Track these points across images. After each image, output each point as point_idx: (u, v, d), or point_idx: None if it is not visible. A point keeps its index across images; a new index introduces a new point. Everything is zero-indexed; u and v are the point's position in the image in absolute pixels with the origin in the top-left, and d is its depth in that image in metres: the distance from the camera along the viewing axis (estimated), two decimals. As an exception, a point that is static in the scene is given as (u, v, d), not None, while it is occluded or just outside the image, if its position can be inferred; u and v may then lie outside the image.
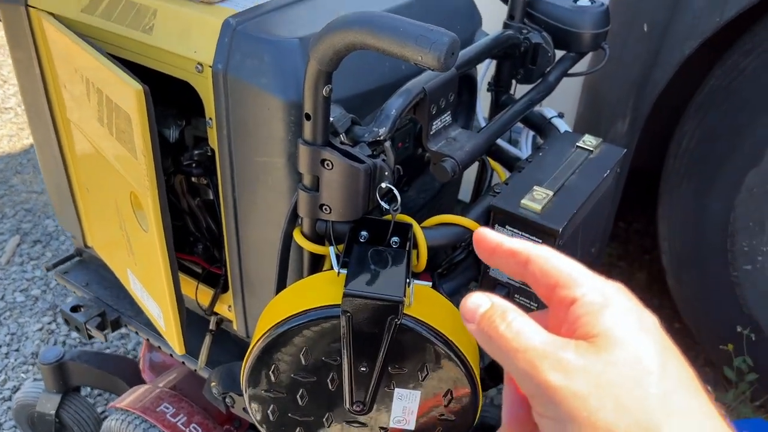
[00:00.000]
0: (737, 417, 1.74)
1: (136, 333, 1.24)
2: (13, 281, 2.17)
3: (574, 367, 0.38)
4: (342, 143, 0.79)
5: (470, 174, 1.23)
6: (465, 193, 1.40)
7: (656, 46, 1.43)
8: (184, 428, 1.17)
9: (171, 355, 1.19)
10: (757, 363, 1.64)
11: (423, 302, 0.76)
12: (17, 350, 1.92)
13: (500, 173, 1.11)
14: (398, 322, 0.72)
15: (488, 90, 1.18)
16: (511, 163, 1.15)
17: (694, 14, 1.36)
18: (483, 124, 1.21)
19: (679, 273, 1.75)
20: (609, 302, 0.40)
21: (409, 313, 0.74)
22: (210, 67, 0.84)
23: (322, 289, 0.77)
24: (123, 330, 1.97)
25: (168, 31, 0.87)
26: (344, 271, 0.75)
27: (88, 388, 1.77)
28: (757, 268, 1.60)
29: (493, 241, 0.46)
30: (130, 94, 0.79)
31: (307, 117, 0.74)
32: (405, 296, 0.72)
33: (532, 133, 1.20)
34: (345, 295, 0.71)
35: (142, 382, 1.41)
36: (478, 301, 0.42)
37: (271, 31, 0.82)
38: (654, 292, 2.22)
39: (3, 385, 1.80)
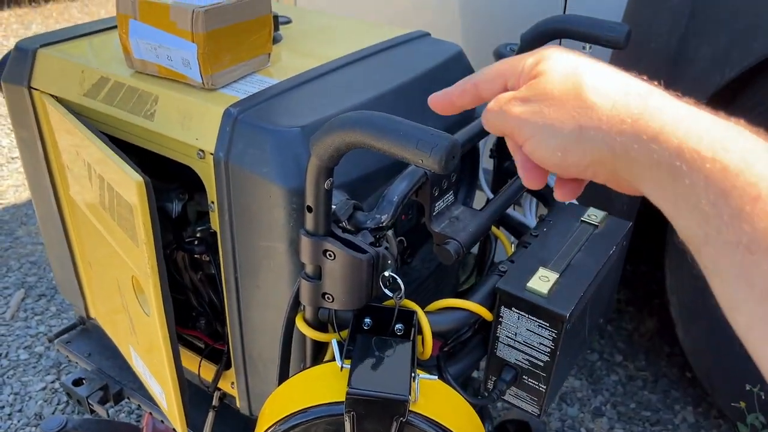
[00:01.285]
0: (754, 474, 1.70)
1: (139, 407, 1.22)
2: (17, 338, 2.15)
3: (524, 97, 0.51)
4: (344, 230, 0.79)
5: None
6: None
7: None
8: (187, 506, 1.14)
9: (174, 430, 1.17)
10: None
11: (429, 396, 0.75)
12: (20, 411, 1.89)
13: (505, 243, 1.10)
14: (403, 421, 0.71)
15: (490, 157, 1.18)
16: (515, 228, 1.14)
17: (695, 74, 1.37)
18: (486, 187, 1.21)
19: (689, 326, 1.73)
20: (542, 59, 0.52)
21: (415, 410, 0.72)
22: (212, 154, 0.84)
23: (326, 384, 0.75)
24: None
25: (169, 117, 0.87)
26: (347, 366, 0.74)
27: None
28: (769, 321, 1.57)
29: (445, 99, 0.58)
30: (131, 185, 0.79)
31: (309, 209, 0.74)
32: (410, 393, 0.70)
33: (536, 202, 1.20)
34: (348, 394, 0.69)
35: (146, 450, 1.39)
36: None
37: (272, 120, 0.82)
38: (665, 339, 2.18)
39: (5, 450, 1.78)
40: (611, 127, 0.46)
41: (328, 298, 0.79)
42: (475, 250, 1.25)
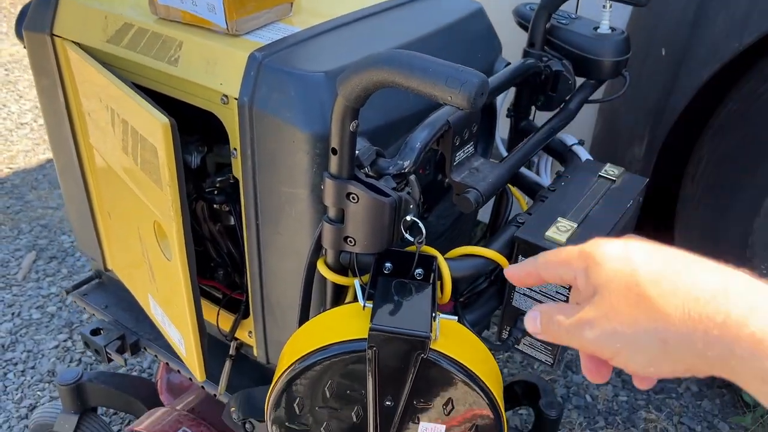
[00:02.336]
0: (756, 441, 1.72)
1: (155, 357, 1.25)
2: (29, 298, 2.18)
3: (594, 318, 0.50)
4: (367, 176, 0.80)
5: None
6: (483, 214, 1.40)
7: (674, 71, 1.43)
8: (202, 453, 1.17)
9: (190, 379, 1.19)
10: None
11: (448, 336, 0.76)
12: (33, 368, 1.92)
13: (521, 200, 1.11)
14: (424, 358, 0.72)
15: (507, 116, 1.18)
16: (531, 188, 1.15)
17: (713, 39, 1.36)
18: (501, 147, 1.22)
19: (696, 295, 1.74)
20: (588, 262, 0.52)
21: (435, 348, 0.74)
22: (235, 99, 0.84)
23: (348, 323, 0.77)
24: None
25: (194, 63, 0.88)
26: (369, 305, 0.75)
27: (104, 408, 1.77)
28: (776, 291, 1.58)
29: (516, 275, 0.61)
30: (156, 127, 0.80)
31: (334, 151, 0.75)
32: (431, 331, 0.72)
33: (551, 159, 1.20)
34: (371, 330, 0.71)
35: (160, 403, 1.41)
36: (532, 315, 0.57)
37: (297, 65, 0.83)
38: (669, 312, 2.20)
39: (20, 403, 1.81)
40: (695, 340, 0.45)
41: (350, 241, 0.80)
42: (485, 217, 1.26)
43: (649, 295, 0.47)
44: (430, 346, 0.72)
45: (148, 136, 0.83)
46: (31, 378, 1.89)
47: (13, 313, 2.11)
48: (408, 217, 0.80)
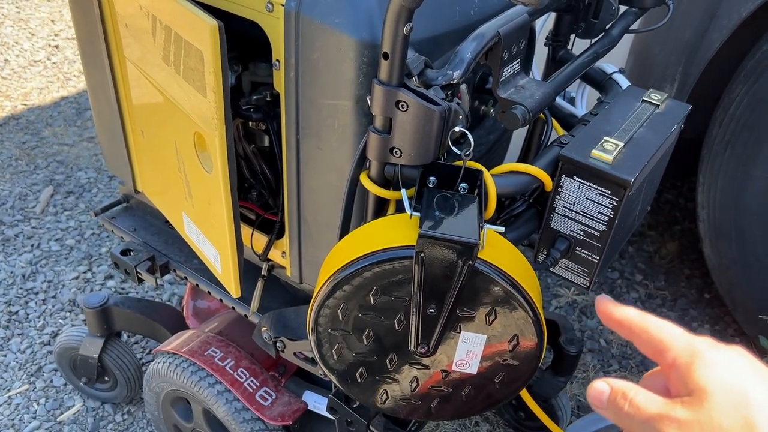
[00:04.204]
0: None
1: (184, 279, 1.26)
2: (48, 230, 2.19)
3: (686, 421, 0.47)
4: (416, 86, 0.79)
5: (517, 134, 1.22)
6: (510, 156, 1.39)
7: (712, 8, 1.40)
8: (232, 372, 1.18)
9: (221, 300, 1.20)
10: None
11: (494, 247, 0.76)
12: (54, 297, 1.94)
13: (558, 129, 1.10)
14: (471, 265, 0.72)
15: (546, 44, 1.16)
16: (566, 120, 1.14)
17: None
18: (538, 76, 1.20)
19: (717, 242, 1.74)
20: (695, 359, 0.49)
21: (481, 257, 0.74)
22: (282, 5, 0.83)
23: (394, 231, 0.77)
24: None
25: (239, -32, 0.86)
26: (417, 214, 0.75)
27: (125, 336, 1.80)
28: (799, 238, 1.59)
29: (607, 312, 0.57)
30: (204, 30, 0.79)
31: (385, 56, 0.73)
32: (479, 239, 0.72)
33: (588, 89, 1.19)
34: (420, 236, 0.71)
35: (183, 329, 1.43)
36: (600, 387, 0.52)
37: (347, -30, 0.81)
38: (684, 263, 2.21)
39: (42, 330, 1.83)
40: None
41: (396, 152, 0.80)
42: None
43: (758, 424, 0.44)
44: (477, 255, 0.73)
45: (194, 40, 0.82)
46: (53, 307, 1.91)
47: (32, 245, 2.12)
48: (457, 128, 0.79)
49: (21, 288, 1.96)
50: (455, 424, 1.65)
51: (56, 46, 3.36)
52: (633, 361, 1.87)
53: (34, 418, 1.60)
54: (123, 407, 1.63)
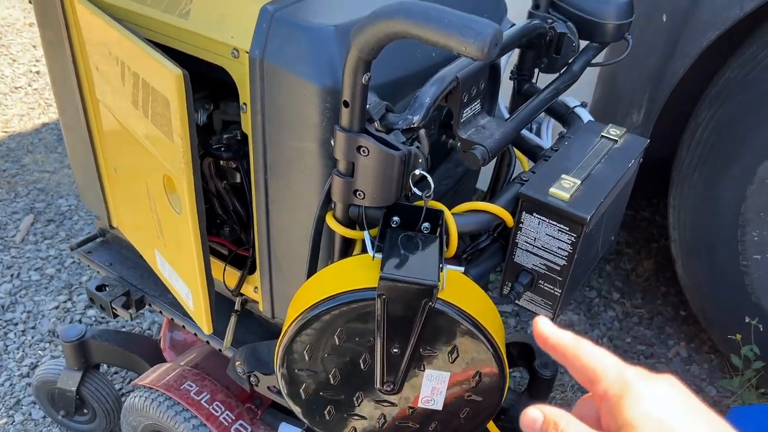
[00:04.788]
0: (742, 404, 1.78)
1: (160, 312, 1.27)
2: (27, 260, 2.19)
3: None
4: (377, 130, 0.81)
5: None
6: (481, 182, 1.42)
7: (675, 37, 1.44)
8: (207, 406, 1.19)
9: (195, 334, 1.21)
10: (764, 351, 1.66)
11: (454, 287, 0.78)
12: (33, 328, 1.94)
13: (523, 161, 1.13)
14: (432, 306, 0.74)
15: (511, 78, 1.19)
16: (532, 151, 1.17)
17: (714, 6, 1.37)
18: (504, 110, 1.23)
19: (689, 261, 1.78)
20: (624, 392, 0.49)
21: (442, 297, 0.76)
22: (247, 52, 0.85)
23: (358, 273, 0.79)
24: (138, 309, 2.00)
25: (205, 16, 0.88)
26: (379, 255, 0.77)
27: (105, 366, 1.80)
28: (767, 258, 1.62)
29: (544, 334, 0.55)
30: (169, 78, 0.81)
31: (346, 104, 0.76)
32: (439, 280, 0.74)
33: (552, 122, 1.22)
34: (381, 279, 0.73)
35: (161, 360, 1.44)
36: (533, 415, 0.51)
37: (308, 19, 0.84)
38: (661, 281, 2.24)
39: (21, 362, 1.83)
40: None
41: (359, 194, 0.82)
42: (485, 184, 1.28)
43: None
44: (438, 295, 0.75)
45: (161, 88, 0.84)
46: (32, 338, 1.91)
47: (12, 275, 2.12)
48: (417, 171, 0.81)
49: (0, 319, 1.96)
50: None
51: (37, 72, 3.36)
52: (610, 381, 1.89)
53: (13, 452, 1.60)
54: (102, 439, 1.63)
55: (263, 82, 0.86)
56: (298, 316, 0.80)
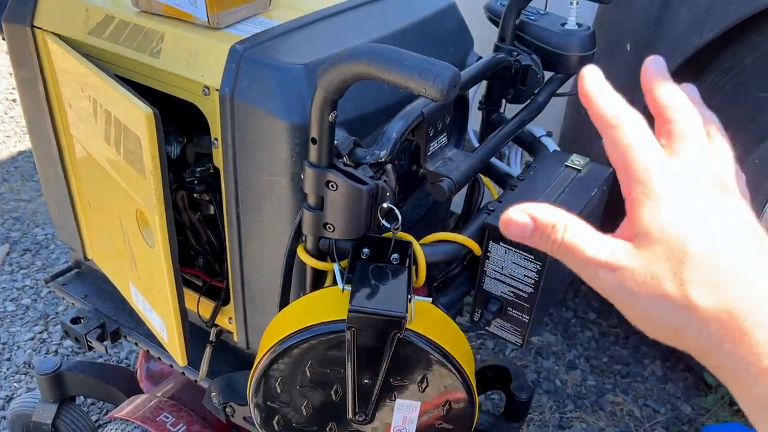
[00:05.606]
0: (716, 421, 1.80)
1: (136, 344, 1.27)
2: (3, 290, 2.17)
3: (624, 267, 0.43)
4: (345, 165, 0.83)
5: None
6: (456, 205, 1.44)
7: (638, 66, 1.48)
8: (183, 437, 1.19)
9: (171, 365, 1.21)
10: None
11: (423, 317, 0.80)
12: (9, 359, 1.92)
13: (492, 190, 1.16)
14: (401, 337, 0.76)
15: (479, 109, 1.22)
16: (501, 178, 1.20)
17: (675, 35, 1.42)
18: (474, 139, 1.26)
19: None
20: (645, 199, 0.43)
21: (411, 328, 0.77)
22: (217, 90, 0.87)
23: (327, 305, 0.80)
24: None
25: (175, 55, 0.90)
26: (348, 288, 0.79)
27: (82, 397, 1.78)
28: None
29: (591, 89, 0.49)
30: (140, 117, 0.82)
31: (314, 141, 0.78)
32: (407, 312, 0.75)
33: (521, 150, 1.25)
34: (350, 311, 0.74)
35: (138, 391, 1.43)
36: (520, 219, 0.45)
37: (277, 57, 0.86)
38: (636, 300, 2.28)
39: (-5, 395, 1.81)
40: (714, 341, 0.41)
41: (329, 228, 0.83)
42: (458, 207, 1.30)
43: (687, 280, 0.41)
44: (406, 326, 0.76)
45: (132, 126, 0.86)
46: (7, 370, 1.89)
47: (-14, 306, 2.10)
48: (385, 204, 0.83)
49: (-26, 351, 1.94)
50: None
51: (14, 100, 3.35)
52: (587, 401, 1.92)
53: (-13, 488, 1.57)
54: (78, 472, 1.61)
55: (234, 118, 0.88)
56: (269, 349, 0.81)
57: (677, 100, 0.47)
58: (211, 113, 0.90)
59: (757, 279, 0.40)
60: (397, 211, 0.83)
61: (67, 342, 1.98)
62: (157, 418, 1.22)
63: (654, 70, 0.50)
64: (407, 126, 0.86)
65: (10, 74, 3.59)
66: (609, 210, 1.22)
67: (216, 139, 0.92)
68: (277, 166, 0.88)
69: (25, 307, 2.11)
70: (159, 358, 1.22)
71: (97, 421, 1.73)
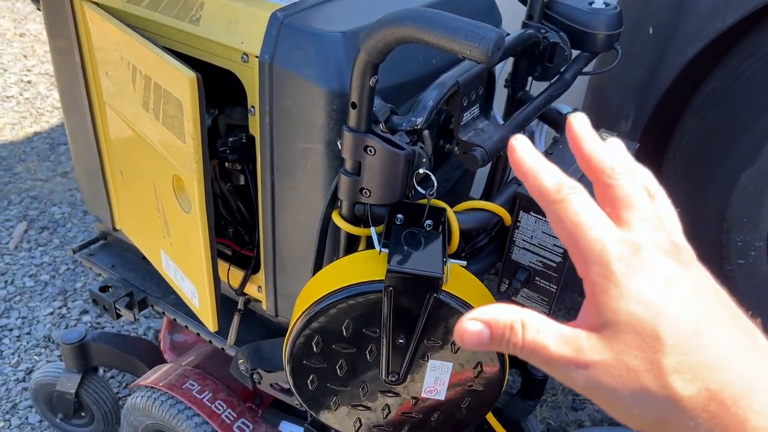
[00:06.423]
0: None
1: (163, 314, 1.29)
2: (21, 266, 2.20)
3: (593, 363, 0.39)
4: (382, 131, 0.85)
5: (481, 171, 1.29)
6: (475, 190, 1.46)
7: (661, 49, 1.49)
8: (210, 404, 1.22)
9: (198, 334, 1.23)
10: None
11: (457, 280, 0.82)
12: (29, 333, 1.95)
13: (518, 165, 1.17)
14: (436, 297, 0.78)
15: (505, 86, 1.24)
16: (525, 155, 1.21)
17: (698, 18, 1.43)
18: (498, 118, 1.27)
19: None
20: (605, 286, 0.40)
21: (446, 289, 0.79)
22: (256, 57, 0.89)
23: (364, 267, 0.82)
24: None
25: (215, 22, 0.92)
26: (385, 250, 0.81)
27: (102, 371, 1.81)
28: (750, 262, 1.67)
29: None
30: (183, 81, 0.84)
31: (353, 105, 0.80)
32: (443, 273, 0.77)
33: (546, 128, 1.26)
34: (389, 271, 0.76)
35: (160, 363, 1.45)
36: (473, 328, 0.41)
37: (316, 25, 0.87)
38: (648, 287, 2.29)
39: (17, 367, 1.83)
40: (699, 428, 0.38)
41: (365, 193, 0.85)
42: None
43: (665, 368, 0.38)
44: (442, 288, 0.78)
45: (173, 90, 0.87)
46: (27, 343, 1.91)
47: (6, 281, 2.13)
48: (421, 170, 0.85)
49: (-5, 325, 1.97)
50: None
51: (29, 82, 3.37)
52: (600, 384, 1.93)
53: (10, 456, 1.60)
54: (99, 443, 1.64)
55: (272, 85, 0.90)
56: (306, 309, 0.83)
57: (613, 160, 0.45)
58: (248, 81, 0.92)
59: (739, 358, 0.38)
60: (432, 177, 0.84)
61: (86, 317, 2.01)
62: (183, 386, 1.24)
63: (579, 129, 0.48)
64: (443, 94, 0.88)
65: (25, 56, 3.61)
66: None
67: (253, 106, 0.94)
68: (313, 133, 0.90)
69: (44, 283, 2.13)
70: (186, 326, 1.24)
71: (116, 393, 1.75)
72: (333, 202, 0.90)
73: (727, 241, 1.67)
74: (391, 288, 0.77)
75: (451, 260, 0.82)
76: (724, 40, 1.46)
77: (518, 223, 0.94)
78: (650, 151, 1.79)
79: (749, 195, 1.60)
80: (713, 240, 1.69)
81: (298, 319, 0.84)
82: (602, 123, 1.64)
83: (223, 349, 1.20)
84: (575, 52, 1.19)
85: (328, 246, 0.95)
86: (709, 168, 1.64)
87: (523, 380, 1.54)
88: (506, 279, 1.00)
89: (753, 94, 1.51)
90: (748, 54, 1.48)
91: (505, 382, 0.87)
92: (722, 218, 1.65)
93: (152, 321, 1.99)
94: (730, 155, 1.59)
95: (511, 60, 1.22)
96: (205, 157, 0.90)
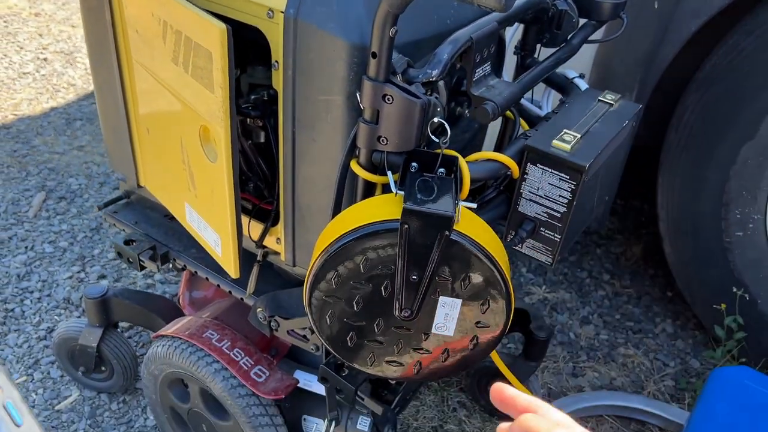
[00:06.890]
0: (724, 374, 1.88)
1: (183, 268, 1.35)
2: (41, 233, 2.26)
3: None
4: (400, 82, 0.90)
5: (492, 132, 1.35)
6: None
7: (665, 23, 1.54)
8: (228, 352, 1.28)
9: (218, 286, 1.30)
10: (745, 323, 1.77)
11: (468, 222, 0.88)
12: (49, 295, 2.02)
13: (524, 125, 1.23)
14: (448, 236, 0.84)
15: (514, 53, 1.29)
16: (532, 120, 1.27)
17: (702, -7, 1.48)
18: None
19: (675, 240, 1.88)
20: None
21: (457, 229, 0.85)
22: (282, 12, 0.94)
23: (381, 208, 0.88)
24: (149, 280, 2.08)
25: (243, -20, 0.97)
26: (401, 193, 0.87)
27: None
28: (748, 234, 1.73)
29: (507, 396, 0.60)
30: (214, 32, 0.90)
31: (373, 55, 0.85)
32: (455, 213, 0.83)
33: (552, 93, 1.32)
34: (404, 210, 0.82)
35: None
36: None
37: (339, -18, 0.93)
38: (649, 263, 2.35)
39: (38, 326, 1.90)
40: None
41: (383, 140, 0.91)
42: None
43: None
44: (453, 227, 0.84)
45: (204, 42, 0.93)
46: (48, 304, 1.98)
47: (26, 247, 2.19)
48: (435, 119, 0.91)
49: (16, 287, 2.03)
50: (435, 410, 1.75)
51: (45, 59, 3.43)
52: (600, 353, 1.99)
53: (33, 407, 1.67)
54: (119, 396, 1.70)
55: (296, 39, 0.95)
56: (326, 247, 0.89)
57: (548, 425, 0.55)
58: (273, 36, 0.98)
59: None
60: (446, 126, 0.90)
61: (104, 282, 2.07)
62: (203, 335, 1.31)
63: (505, 396, 0.59)
64: (457, 49, 0.93)
65: (40, 35, 3.67)
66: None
67: (276, 61, 1.00)
68: (334, 86, 0.96)
69: (63, 249, 2.20)
70: (207, 278, 1.30)
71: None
72: (352, 151, 0.95)
73: (726, 214, 1.72)
74: (406, 225, 0.83)
75: (462, 203, 0.87)
76: (726, 17, 1.51)
77: (526, 176, 1.00)
78: (648, 130, 1.85)
79: (748, 168, 1.65)
80: (713, 213, 1.75)
81: (318, 257, 0.90)
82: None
83: (242, 299, 1.27)
84: (583, 20, 1.24)
85: (346, 195, 1.01)
86: (710, 142, 1.69)
87: (526, 342, 1.60)
88: (512, 230, 1.06)
89: (753, 71, 1.57)
90: (749, 31, 1.53)
91: (510, 319, 0.92)
92: (722, 191, 1.71)
93: (167, 286, 2.06)
94: (731, 129, 1.65)
95: (520, 28, 1.27)
96: (232, 106, 0.96)
